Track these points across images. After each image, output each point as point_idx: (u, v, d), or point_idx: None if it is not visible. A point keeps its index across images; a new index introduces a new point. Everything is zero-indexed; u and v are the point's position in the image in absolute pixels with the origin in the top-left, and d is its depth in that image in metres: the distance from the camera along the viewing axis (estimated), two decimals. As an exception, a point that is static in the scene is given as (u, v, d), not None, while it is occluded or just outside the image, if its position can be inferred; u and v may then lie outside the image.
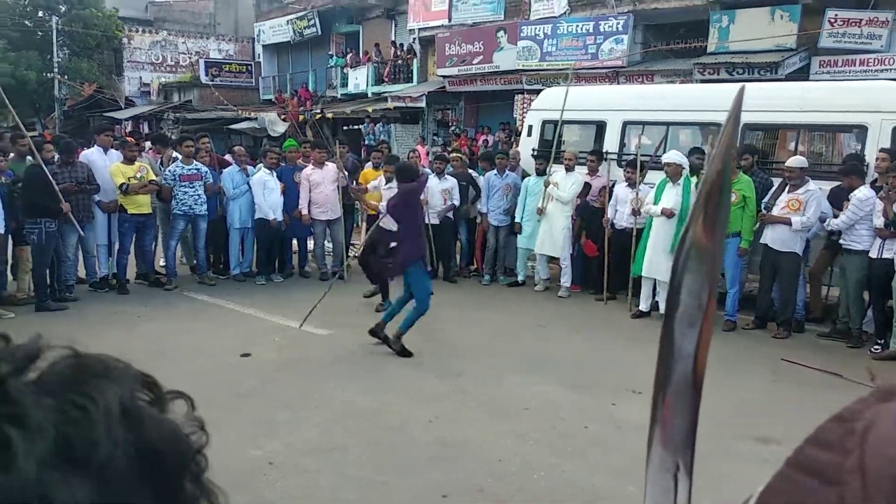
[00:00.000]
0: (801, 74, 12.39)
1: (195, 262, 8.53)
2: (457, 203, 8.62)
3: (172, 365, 5.27)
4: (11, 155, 7.38)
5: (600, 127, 8.60)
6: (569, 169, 7.97)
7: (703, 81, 12.50)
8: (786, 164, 6.61)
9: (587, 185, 8.02)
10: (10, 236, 7.03)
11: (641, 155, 7.51)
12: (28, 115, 28.87)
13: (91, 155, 7.91)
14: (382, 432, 4.36)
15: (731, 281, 6.84)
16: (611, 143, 8.42)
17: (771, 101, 7.20)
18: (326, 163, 8.69)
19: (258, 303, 7.36)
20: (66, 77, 26.86)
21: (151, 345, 5.79)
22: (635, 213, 7.33)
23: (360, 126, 20.38)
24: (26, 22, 26.40)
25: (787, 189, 6.55)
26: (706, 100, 7.81)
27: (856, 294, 6.35)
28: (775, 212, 6.55)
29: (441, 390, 5.06)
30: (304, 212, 8.51)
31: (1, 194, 6.73)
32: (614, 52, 14.98)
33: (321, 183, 8.55)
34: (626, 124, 8.35)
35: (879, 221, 6.04)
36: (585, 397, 4.96)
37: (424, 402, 4.83)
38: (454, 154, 9.60)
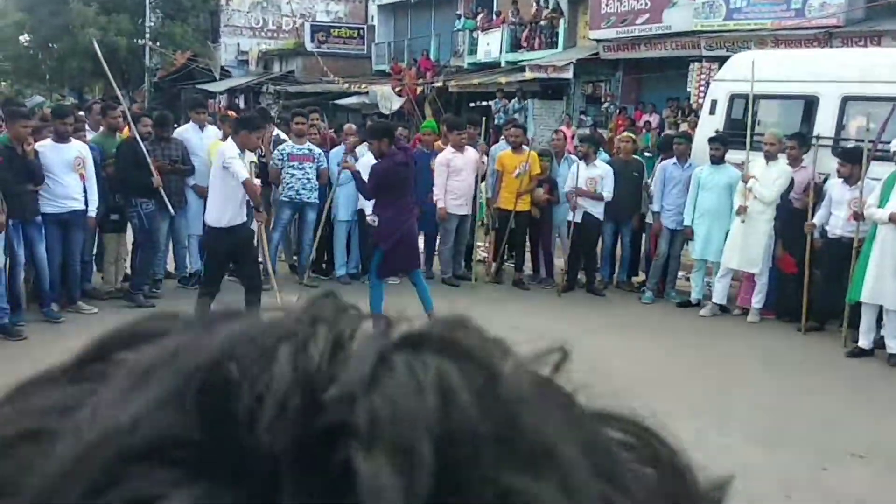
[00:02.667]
0: None
1: (296, 258, 8.85)
2: (608, 196, 8.42)
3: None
4: (101, 129, 8.01)
5: (809, 103, 8.11)
6: (770, 158, 7.54)
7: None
8: None
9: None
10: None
11: (874, 142, 6.99)
12: (117, 87, 31.57)
13: (185, 132, 8.41)
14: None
15: None
16: (823, 125, 7.91)
17: None
18: (468, 147, 8.81)
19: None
20: (157, 44, 29.02)
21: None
22: (857, 217, 6.83)
23: (490, 102, 20.51)
24: (118, -18, 28.81)
25: None
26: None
27: None
28: None
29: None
30: (441, 204, 8.62)
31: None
32: (827, 8, 14.12)
33: (462, 170, 8.67)
34: (845, 100, 7.81)
35: None
36: (786, 458, 4.66)
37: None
38: (626, 135, 9.40)
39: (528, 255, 9.20)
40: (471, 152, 8.77)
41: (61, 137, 6.97)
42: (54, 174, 6.84)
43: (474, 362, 0.25)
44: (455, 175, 8.65)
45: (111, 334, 0.27)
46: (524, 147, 8.88)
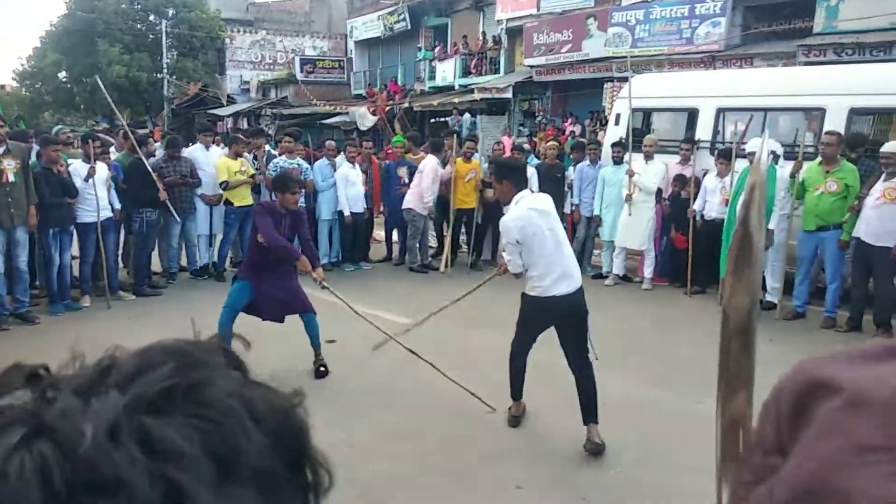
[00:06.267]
0: (921, 54, 11.41)
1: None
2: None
3: (262, 349, 5.51)
4: (123, 150, 7.98)
5: (692, 115, 8.28)
6: (648, 157, 7.71)
7: (807, 64, 11.75)
8: (882, 150, 6.09)
9: (681, 177, 7.74)
10: (121, 226, 7.58)
11: (734, 143, 7.18)
12: (140, 114, 30.99)
13: (194, 152, 8.42)
14: (457, 421, 4.40)
15: (832, 276, 6.43)
16: (703, 132, 8.09)
17: (883, 84, 6.69)
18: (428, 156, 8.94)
19: (344, 291, 7.52)
20: (174, 77, 28.52)
21: (241, 328, 6.05)
22: (726, 202, 7.03)
23: (447, 118, 20.50)
24: (138, 25, 28.21)
25: (883, 178, 6.04)
26: (809, 83, 7.36)
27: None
28: (869, 203, 6.03)
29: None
30: (430, 204, 8.67)
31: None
32: (710, 36, 14.33)
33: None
34: (720, 111, 8.00)
35: None
36: (668, 394, 4.82)
37: (497, 394, 4.82)
38: (550, 143, 9.52)
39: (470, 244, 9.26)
40: (432, 160, 8.77)
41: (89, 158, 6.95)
42: (94, 190, 6.78)
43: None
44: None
45: None
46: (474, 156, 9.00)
